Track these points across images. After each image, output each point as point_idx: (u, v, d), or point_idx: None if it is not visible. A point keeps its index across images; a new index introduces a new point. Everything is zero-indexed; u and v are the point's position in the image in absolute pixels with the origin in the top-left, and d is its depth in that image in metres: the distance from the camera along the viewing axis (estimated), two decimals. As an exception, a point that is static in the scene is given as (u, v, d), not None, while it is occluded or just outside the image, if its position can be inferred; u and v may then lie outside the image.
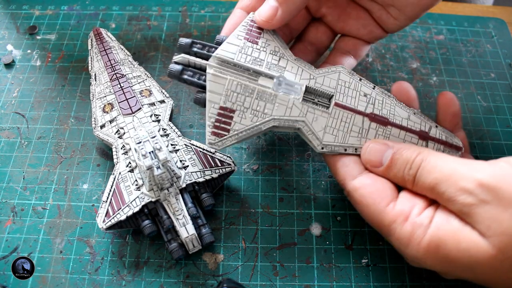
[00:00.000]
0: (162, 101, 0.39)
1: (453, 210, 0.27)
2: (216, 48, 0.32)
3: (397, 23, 0.36)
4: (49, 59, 0.45)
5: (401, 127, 0.32)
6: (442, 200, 0.28)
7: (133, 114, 0.37)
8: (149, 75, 0.41)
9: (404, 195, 0.30)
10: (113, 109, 0.38)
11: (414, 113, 0.33)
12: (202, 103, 0.32)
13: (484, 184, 0.25)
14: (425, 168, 0.29)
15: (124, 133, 0.36)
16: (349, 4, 0.37)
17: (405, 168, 0.29)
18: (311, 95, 0.32)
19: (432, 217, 0.28)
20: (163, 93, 0.40)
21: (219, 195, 0.38)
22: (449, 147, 0.33)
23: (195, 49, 0.33)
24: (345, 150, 0.32)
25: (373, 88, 0.33)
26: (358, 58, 0.38)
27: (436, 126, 0.33)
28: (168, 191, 0.33)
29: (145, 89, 0.39)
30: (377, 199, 0.30)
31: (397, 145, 0.31)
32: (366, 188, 0.30)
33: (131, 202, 0.33)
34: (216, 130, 0.31)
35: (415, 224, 0.28)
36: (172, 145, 0.36)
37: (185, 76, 0.33)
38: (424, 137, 0.33)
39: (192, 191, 0.35)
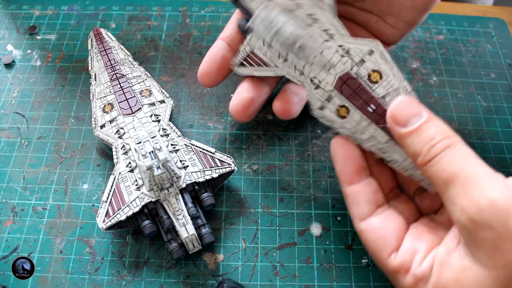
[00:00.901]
0: (162, 101, 0.39)
1: (458, 222, 0.25)
2: None
3: (396, 31, 0.35)
4: (49, 59, 0.45)
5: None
6: (449, 203, 0.25)
7: (133, 114, 0.37)
8: (149, 75, 0.41)
9: (408, 238, 0.29)
10: (113, 109, 0.38)
11: None
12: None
13: (496, 206, 0.23)
14: (449, 155, 0.25)
15: (124, 133, 0.36)
16: (344, 23, 0.35)
17: (427, 143, 0.26)
18: None
19: (433, 264, 0.27)
20: (163, 93, 0.40)
21: (219, 195, 0.38)
22: None
23: None
24: None
25: None
26: None
27: None
28: (168, 191, 0.33)
29: (145, 89, 0.39)
30: (380, 248, 0.28)
31: (431, 116, 0.27)
32: (371, 234, 0.29)
33: (131, 202, 0.33)
34: None
35: (416, 277, 0.27)
36: (172, 145, 0.36)
37: None
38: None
39: (192, 191, 0.35)
